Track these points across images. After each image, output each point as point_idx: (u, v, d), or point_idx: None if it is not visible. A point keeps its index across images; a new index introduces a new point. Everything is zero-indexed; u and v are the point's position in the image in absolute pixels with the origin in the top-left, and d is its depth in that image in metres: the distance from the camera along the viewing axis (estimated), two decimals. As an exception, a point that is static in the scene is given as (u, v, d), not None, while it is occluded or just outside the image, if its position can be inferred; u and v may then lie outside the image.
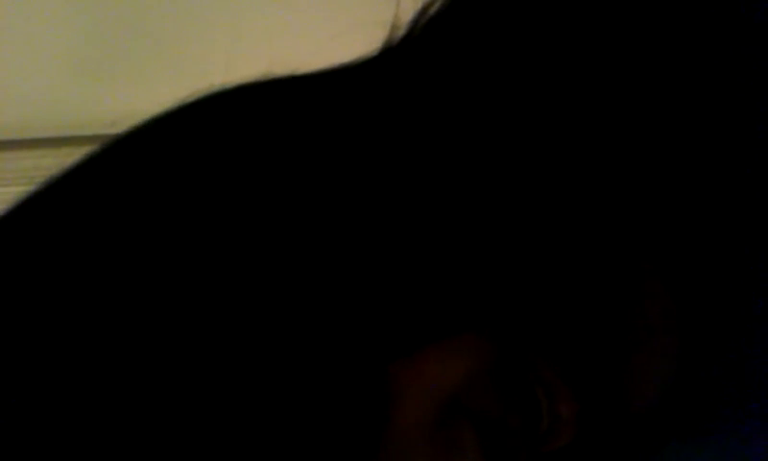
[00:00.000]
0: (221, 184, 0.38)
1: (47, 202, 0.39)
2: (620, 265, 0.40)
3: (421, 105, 0.41)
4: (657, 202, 0.41)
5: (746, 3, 0.42)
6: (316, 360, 0.36)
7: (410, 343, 0.37)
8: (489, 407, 0.38)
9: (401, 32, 0.42)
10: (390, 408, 0.37)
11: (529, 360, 0.38)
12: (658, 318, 0.41)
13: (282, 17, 1.35)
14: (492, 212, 0.39)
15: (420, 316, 0.38)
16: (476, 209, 0.39)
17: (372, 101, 0.41)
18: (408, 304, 0.38)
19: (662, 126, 0.41)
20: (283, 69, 0.42)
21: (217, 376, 0.36)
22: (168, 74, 1.34)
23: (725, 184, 0.41)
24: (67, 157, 0.40)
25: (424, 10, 0.42)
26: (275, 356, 0.36)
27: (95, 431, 0.35)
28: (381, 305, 0.37)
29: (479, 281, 0.39)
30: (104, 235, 0.37)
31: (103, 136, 0.40)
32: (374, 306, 0.37)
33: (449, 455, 0.37)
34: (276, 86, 0.41)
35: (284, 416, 0.36)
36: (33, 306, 0.37)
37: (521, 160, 0.40)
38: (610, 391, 0.40)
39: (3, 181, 1.36)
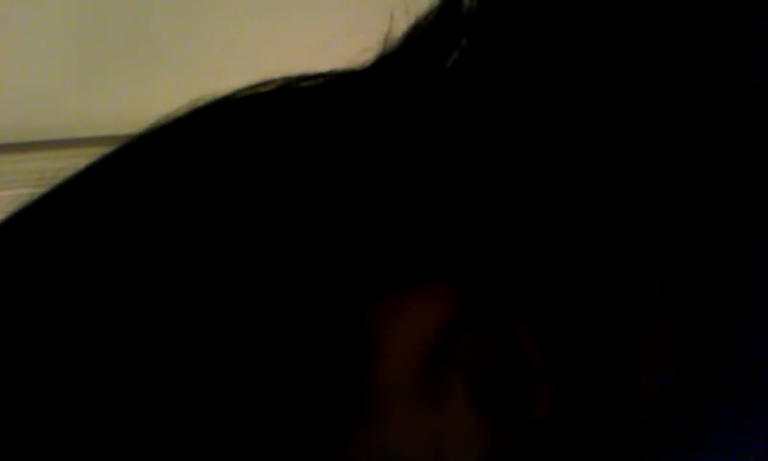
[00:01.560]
0: (220, 188, 0.39)
1: (51, 207, 0.40)
2: (616, 260, 0.40)
3: (414, 112, 0.41)
4: (655, 196, 0.41)
5: (746, 3, 0.42)
6: (295, 302, 0.36)
7: (388, 280, 0.37)
8: (477, 357, 0.37)
9: (396, 40, 0.43)
10: (372, 354, 0.36)
11: (510, 321, 0.38)
12: (657, 316, 0.40)
13: (278, 22, 1.35)
14: (484, 194, 0.39)
15: (397, 254, 0.37)
16: (467, 190, 0.39)
17: (366, 106, 0.41)
18: (385, 241, 0.37)
19: (662, 123, 0.41)
20: (279, 73, 0.42)
21: (204, 334, 0.36)
22: (166, 77, 1.34)
23: (724, 181, 0.41)
24: (67, 160, 0.40)
25: (419, 21, 0.42)
26: (256, 302, 0.36)
27: (95, 431, 0.35)
28: (358, 241, 0.37)
29: (458, 231, 0.38)
30: (106, 239, 0.38)
31: (101, 139, 0.40)
32: (351, 242, 0.37)
33: (436, 402, 0.36)
34: (274, 94, 0.42)
35: (268, 366, 0.35)
36: (37, 308, 0.37)
37: (512, 157, 0.40)
38: (608, 387, 0.39)
39: (2, 185, 1.36)
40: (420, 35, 0.42)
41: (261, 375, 0.36)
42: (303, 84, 0.42)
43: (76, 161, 0.41)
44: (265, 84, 0.41)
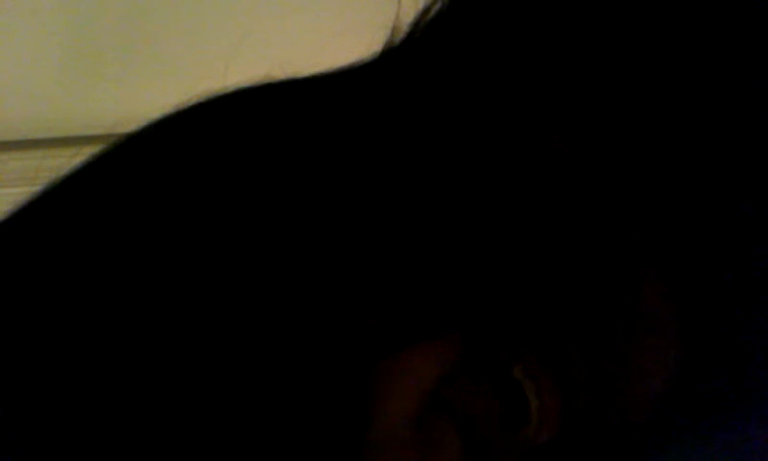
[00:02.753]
0: (221, 189, 0.38)
1: (50, 205, 0.39)
2: (616, 260, 0.40)
3: (422, 107, 0.41)
4: (655, 197, 0.41)
5: (746, 3, 0.42)
6: (299, 359, 0.36)
7: (394, 344, 0.37)
8: (472, 404, 0.37)
9: (402, 34, 0.42)
10: (372, 407, 0.36)
11: (516, 355, 0.38)
12: (657, 317, 0.40)
13: (282, 19, 1.35)
14: (484, 211, 0.39)
15: (404, 318, 0.37)
16: (467, 209, 0.39)
17: (372, 104, 0.41)
18: (393, 307, 0.37)
19: (660, 121, 0.41)
20: (283, 71, 0.42)
21: (210, 372, 0.36)
22: (165, 74, 1.34)
23: (725, 180, 0.41)
24: (65, 159, 0.40)
25: (425, 11, 0.42)
26: (262, 354, 0.36)
27: (94, 432, 0.35)
28: (366, 306, 0.37)
29: (467, 283, 0.38)
30: (105, 238, 0.37)
31: (99, 137, 0.40)
32: (360, 307, 0.37)
33: (430, 453, 0.37)
34: (276, 89, 0.41)
35: (269, 414, 0.36)
36: (35, 308, 0.37)
37: (518, 159, 0.40)
38: (606, 389, 0.39)
39: (2, 183, 1.36)
40: (426, 26, 0.42)
41: (262, 419, 0.36)
42: (304, 81, 0.42)
43: (76, 160, 0.41)
44: (266, 81, 0.41)
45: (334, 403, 0.36)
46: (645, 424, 0.40)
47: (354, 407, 0.36)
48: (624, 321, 0.39)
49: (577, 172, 0.40)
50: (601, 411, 0.39)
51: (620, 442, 0.40)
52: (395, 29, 0.42)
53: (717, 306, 0.41)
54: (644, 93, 0.41)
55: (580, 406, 0.39)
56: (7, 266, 0.38)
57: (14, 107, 1.39)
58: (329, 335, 0.37)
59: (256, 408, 0.36)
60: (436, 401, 0.37)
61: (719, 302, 0.41)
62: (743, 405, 0.42)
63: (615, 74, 0.41)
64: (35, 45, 1.38)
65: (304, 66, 0.42)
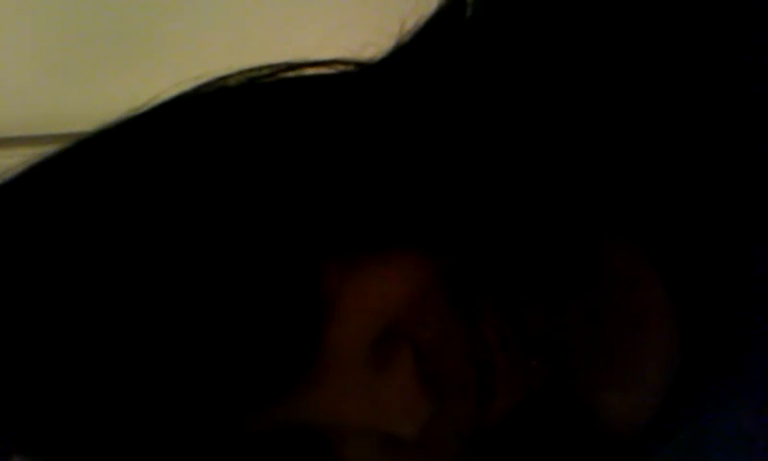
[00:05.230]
0: (202, 161, 0.39)
1: (30, 191, 0.41)
2: (574, 218, 0.40)
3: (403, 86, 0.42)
4: (649, 181, 0.40)
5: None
6: (255, 255, 0.36)
7: (344, 241, 0.37)
8: (431, 335, 0.37)
9: (407, 35, 0.42)
10: (327, 314, 0.37)
11: (477, 300, 0.38)
12: (651, 312, 0.39)
13: (278, 16, 1.35)
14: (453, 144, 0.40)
15: (356, 213, 0.38)
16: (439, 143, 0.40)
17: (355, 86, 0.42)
18: (345, 199, 0.38)
19: (655, 115, 0.41)
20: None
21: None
22: (161, 72, 1.33)
23: (723, 171, 0.40)
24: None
25: (425, 18, 0.42)
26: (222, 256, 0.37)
27: (88, 417, 0.36)
28: (319, 196, 0.38)
29: (424, 192, 0.38)
30: (90, 218, 0.38)
31: (78, 134, 0.39)
32: (312, 196, 0.38)
33: (382, 376, 0.37)
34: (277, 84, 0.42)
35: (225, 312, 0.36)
36: (21, 293, 0.37)
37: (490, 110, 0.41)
38: (583, 361, 0.39)
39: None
40: (426, 33, 0.42)
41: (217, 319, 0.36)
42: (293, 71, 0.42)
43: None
44: (258, 68, 0.42)
45: (289, 306, 0.36)
46: (647, 424, 0.39)
47: (309, 312, 0.36)
48: (584, 277, 0.39)
49: (549, 144, 0.41)
50: (580, 392, 0.38)
51: (617, 438, 0.39)
52: (402, 30, 0.42)
53: (718, 296, 0.40)
54: (631, 79, 0.41)
55: (538, 360, 0.38)
56: None
57: (6, 104, 1.39)
58: (276, 222, 0.37)
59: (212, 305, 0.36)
60: (396, 324, 0.37)
61: (720, 292, 0.40)
62: (740, 398, 0.41)
63: (604, 62, 0.41)
64: (27, 42, 1.37)
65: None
